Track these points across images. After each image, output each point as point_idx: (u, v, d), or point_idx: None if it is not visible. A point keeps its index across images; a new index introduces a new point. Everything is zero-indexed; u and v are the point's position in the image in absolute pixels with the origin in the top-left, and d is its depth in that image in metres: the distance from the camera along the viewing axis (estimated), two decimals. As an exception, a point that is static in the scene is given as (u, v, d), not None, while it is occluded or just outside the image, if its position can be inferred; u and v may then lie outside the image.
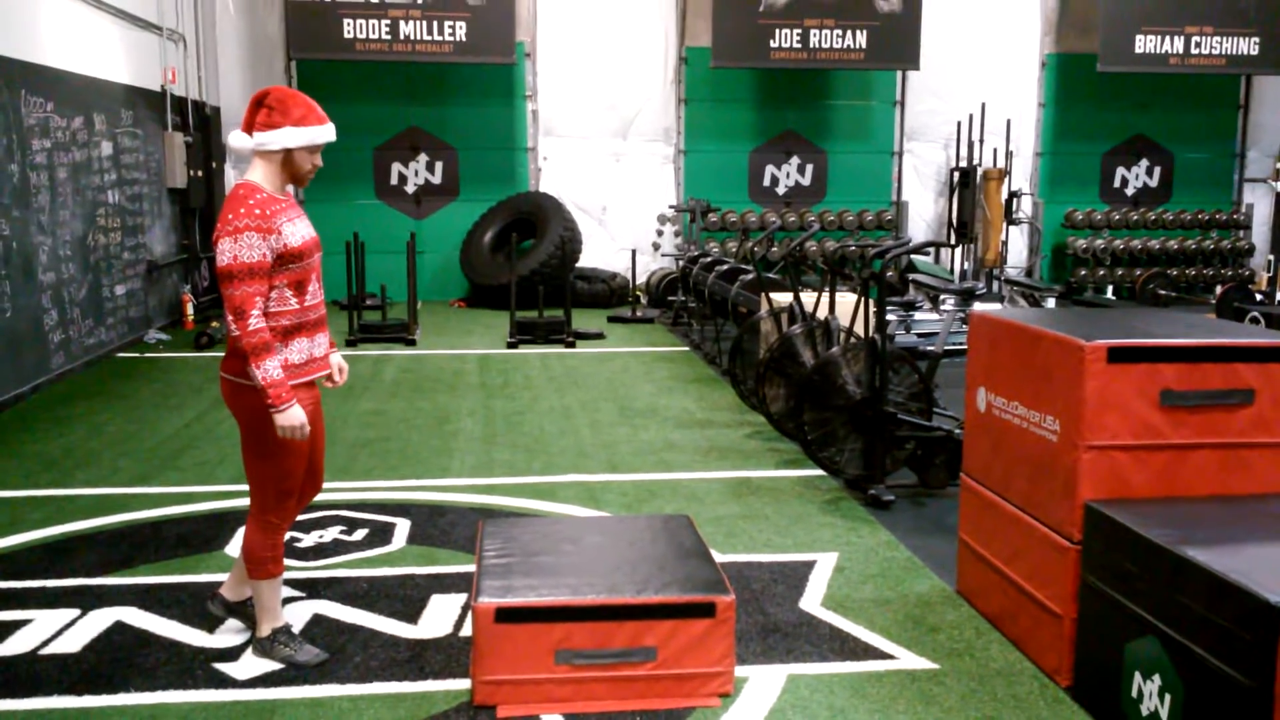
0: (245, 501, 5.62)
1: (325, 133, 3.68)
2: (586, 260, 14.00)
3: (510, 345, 10.48)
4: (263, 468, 3.71)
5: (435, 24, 13.07)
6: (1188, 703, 2.97)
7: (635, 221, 14.44)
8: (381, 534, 5.15)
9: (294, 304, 3.62)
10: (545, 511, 5.47)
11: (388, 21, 12.98)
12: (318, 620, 4.17)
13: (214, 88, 13.26)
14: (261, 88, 3.78)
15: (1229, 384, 3.50)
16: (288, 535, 5.09)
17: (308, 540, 5.05)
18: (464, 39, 13.13)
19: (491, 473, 6.22)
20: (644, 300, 13.63)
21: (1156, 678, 3.10)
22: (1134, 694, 3.21)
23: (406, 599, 4.38)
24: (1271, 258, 12.70)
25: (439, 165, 14.23)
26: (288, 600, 4.33)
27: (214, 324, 10.85)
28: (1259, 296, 12.30)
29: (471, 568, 4.54)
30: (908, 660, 3.85)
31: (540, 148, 14.32)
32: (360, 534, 5.15)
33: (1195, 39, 14.00)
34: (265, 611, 3.86)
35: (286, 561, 4.75)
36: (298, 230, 3.62)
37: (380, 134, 13.99)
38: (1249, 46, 14.09)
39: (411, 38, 13.07)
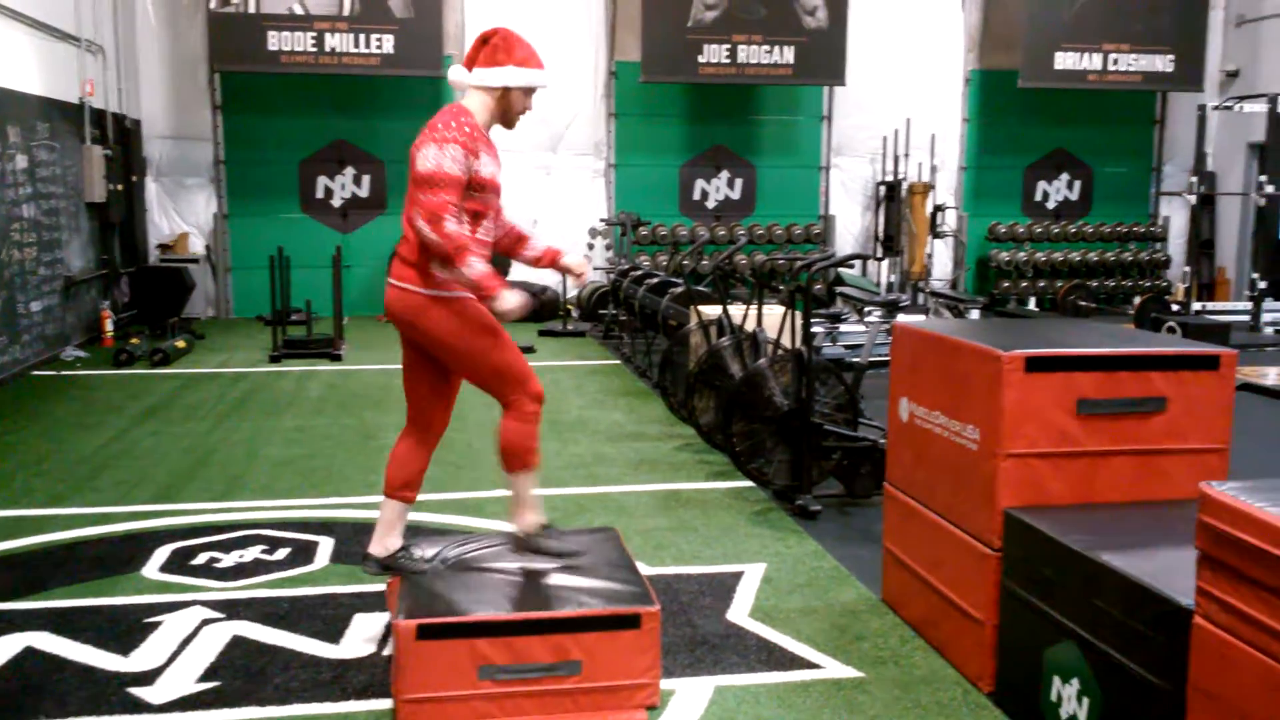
0: (165, 521, 5.51)
1: (542, 77, 3.83)
2: (516, 273, 13.92)
3: (439, 360, 10.36)
4: (488, 364, 3.75)
5: (362, 37, 12.95)
6: (1105, 706, 3.02)
7: (566, 235, 14.37)
8: (304, 553, 5.06)
9: (467, 230, 3.65)
10: (472, 527, 5.42)
11: (313, 34, 12.84)
12: (237, 642, 4.07)
13: (134, 100, 13.02)
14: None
15: (1143, 392, 3.57)
16: (206, 556, 4.99)
17: (227, 560, 4.94)
18: (391, 51, 13.03)
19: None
20: (575, 314, 13.61)
21: (1075, 682, 3.15)
22: (1053, 698, 3.25)
23: (329, 619, 4.30)
24: (1187, 269, 13.06)
25: (366, 178, 14.08)
26: (206, 621, 4.24)
27: (134, 340, 10.61)
28: (1175, 307, 12.62)
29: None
30: (833, 669, 3.86)
31: (469, 161, 14.22)
32: (282, 553, 5.05)
33: (1113, 56, 14.36)
34: (526, 504, 3.89)
35: (202, 583, 4.66)
36: (489, 165, 3.71)
37: (306, 147, 13.82)
38: (1164, 64, 14.49)
39: (338, 50, 12.94)
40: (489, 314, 3.72)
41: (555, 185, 14.44)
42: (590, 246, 14.37)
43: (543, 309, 13.51)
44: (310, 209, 14.00)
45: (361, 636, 4.13)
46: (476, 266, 3.56)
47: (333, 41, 12.89)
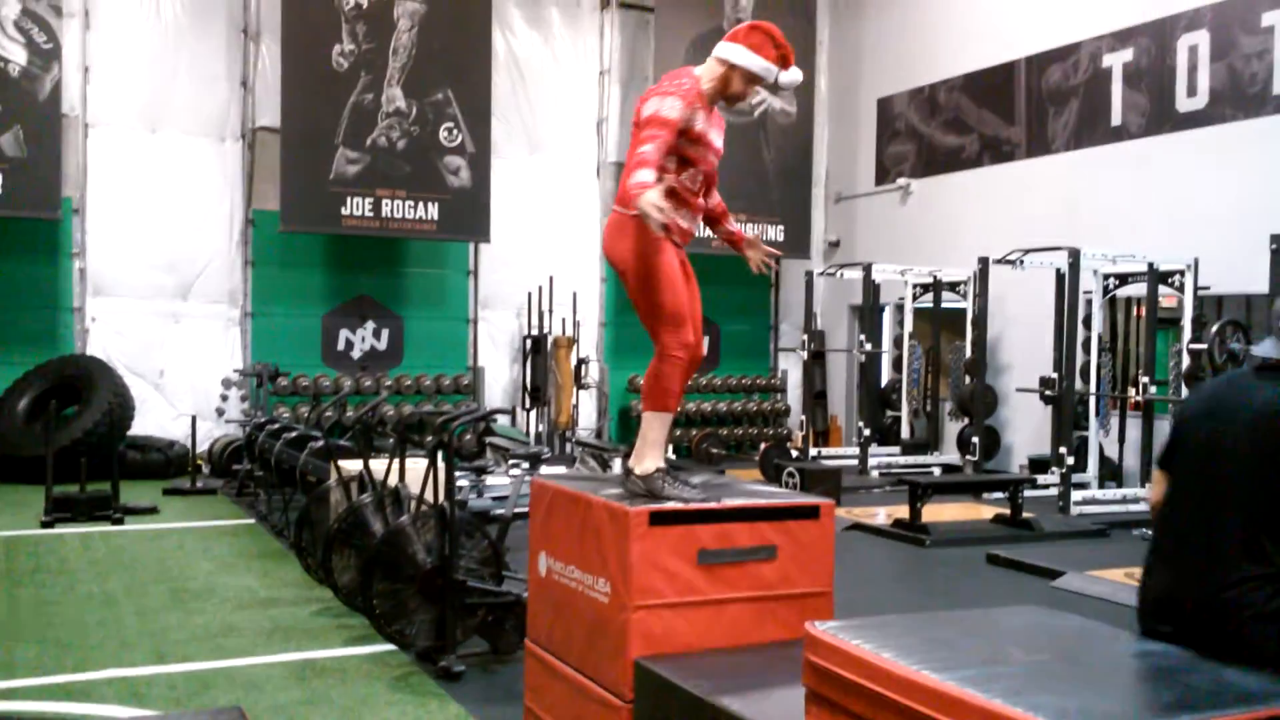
0: None
1: (770, 72, 3.98)
2: (141, 428, 12.99)
3: (45, 525, 9.40)
4: (651, 301, 3.99)
5: (-34, 173, 11.90)
6: None
7: (197, 386, 13.65)
8: None
9: (671, 171, 3.97)
10: (76, 715, 4.87)
11: (-94, 167, 11.66)
12: None
13: None
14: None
15: (755, 541, 3.83)
16: None
17: None
18: (1, 192, 12.04)
19: (13, 674, 5.46)
20: (206, 470, 12.82)
21: (704, 829, 3.23)
22: (686, 847, 3.32)
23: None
24: (804, 418, 14.22)
25: (-31, 332, 12.77)
26: None
27: None
28: (795, 453, 13.68)
29: (-23, 791, 3.93)
30: (473, 840, 3.75)
31: (88, 308, 13.28)
32: None
33: (738, 223, 15.65)
34: (651, 446, 4.01)
35: None
36: (704, 123, 3.99)
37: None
38: (776, 233, 15.98)
39: (-64, 186, 11.81)
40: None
41: (185, 334, 13.70)
42: (224, 398, 13.69)
43: (169, 465, 12.64)
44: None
45: None
46: (643, 176, 3.73)
47: (-70, 177, 11.75)
